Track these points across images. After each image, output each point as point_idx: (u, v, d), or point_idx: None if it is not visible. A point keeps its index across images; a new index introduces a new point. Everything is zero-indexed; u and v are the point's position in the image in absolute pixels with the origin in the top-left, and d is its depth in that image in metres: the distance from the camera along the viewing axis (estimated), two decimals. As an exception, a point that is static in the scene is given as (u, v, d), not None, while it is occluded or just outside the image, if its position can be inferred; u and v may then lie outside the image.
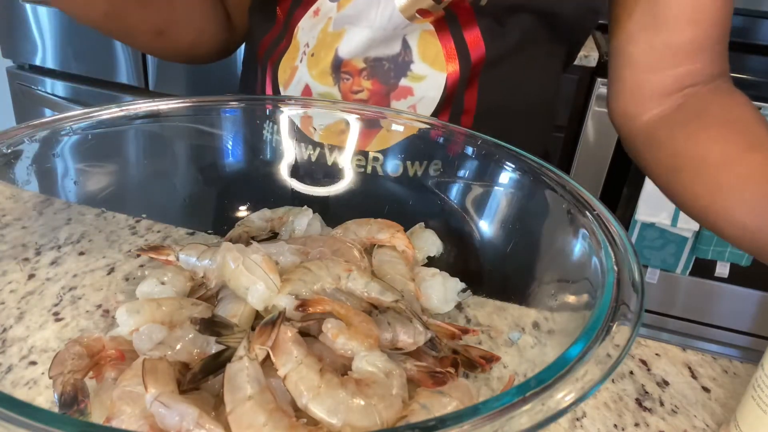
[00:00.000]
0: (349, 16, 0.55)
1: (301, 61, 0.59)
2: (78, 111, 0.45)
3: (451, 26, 0.55)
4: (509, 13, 0.55)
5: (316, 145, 0.54)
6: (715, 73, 0.57)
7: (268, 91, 0.63)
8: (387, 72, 0.57)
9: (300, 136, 0.55)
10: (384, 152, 0.54)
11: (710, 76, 0.57)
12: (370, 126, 0.53)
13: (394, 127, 0.52)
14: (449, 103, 0.58)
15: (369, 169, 0.54)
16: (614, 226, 0.36)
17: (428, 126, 0.51)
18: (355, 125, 0.53)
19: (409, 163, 0.54)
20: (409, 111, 0.57)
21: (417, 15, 0.53)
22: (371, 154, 0.54)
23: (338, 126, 0.54)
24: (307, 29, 0.58)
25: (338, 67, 0.57)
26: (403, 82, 0.57)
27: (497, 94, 0.59)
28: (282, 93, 0.61)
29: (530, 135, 0.66)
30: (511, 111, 0.61)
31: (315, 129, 0.54)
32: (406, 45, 0.56)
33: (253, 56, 0.67)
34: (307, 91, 0.59)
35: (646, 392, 0.46)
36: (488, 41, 0.56)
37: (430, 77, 0.56)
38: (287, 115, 0.54)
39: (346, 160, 0.54)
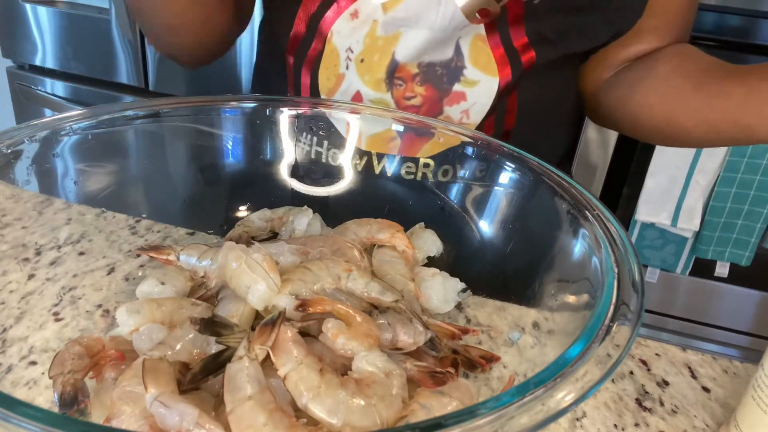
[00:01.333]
0: (403, 18, 0.54)
1: (347, 68, 0.58)
2: (78, 111, 0.45)
3: (501, 32, 0.55)
4: (555, 14, 0.56)
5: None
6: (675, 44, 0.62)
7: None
8: (440, 77, 0.56)
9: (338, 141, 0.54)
10: (434, 158, 0.52)
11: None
12: (421, 133, 0.52)
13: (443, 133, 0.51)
14: (495, 107, 0.58)
15: (419, 175, 0.53)
16: (614, 226, 0.36)
17: (468, 138, 0.50)
18: (405, 133, 0.53)
19: (458, 165, 0.53)
20: (443, 121, 0.56)
21: (477, 15, 0.53)
22: (422, 161, 0.53)
23: (387, 134, 0.53)
24: (345, 33, 0.57)
25: (393, 72, 0.56)
26: (457, 87, 0.57)
27: (535, 95, 0.60)
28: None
29: (561, 131, 0.68)
30: (546, 108, 0.62)
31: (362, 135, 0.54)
32: (458, 50, 0.56)
33: (276, 59, 0.64)
34: (357, 98, 0.58)
35: (646, 392, 0.46)
36: (537, 48, 0.56)
37: (483, 82, 0.56)
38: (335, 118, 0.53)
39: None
